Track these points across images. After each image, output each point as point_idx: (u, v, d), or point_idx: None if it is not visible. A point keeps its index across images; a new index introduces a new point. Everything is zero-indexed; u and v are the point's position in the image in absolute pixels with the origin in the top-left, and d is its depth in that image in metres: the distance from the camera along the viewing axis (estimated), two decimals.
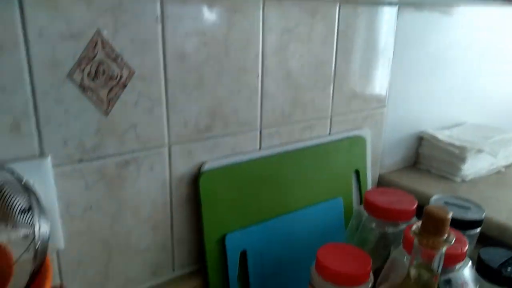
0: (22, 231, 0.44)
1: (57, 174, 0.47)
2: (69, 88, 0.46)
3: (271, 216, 0.64)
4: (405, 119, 0.85)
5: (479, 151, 0.82)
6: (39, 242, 0.35)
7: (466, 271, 0.46)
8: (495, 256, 0.51)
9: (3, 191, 0.42)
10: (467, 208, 0.58)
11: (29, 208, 0.41)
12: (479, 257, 0.51)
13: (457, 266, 0.45)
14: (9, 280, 0.39)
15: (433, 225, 0.36)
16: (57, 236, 0.49)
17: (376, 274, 0.49)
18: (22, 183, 0.37)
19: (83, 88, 0.46)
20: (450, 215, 0.36)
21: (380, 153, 0.82)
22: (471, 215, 0.56)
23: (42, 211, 0.37)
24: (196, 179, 0.58)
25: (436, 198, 0.62)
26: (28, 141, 0.45)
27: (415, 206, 0.56)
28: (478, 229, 0.57)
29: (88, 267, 0.52)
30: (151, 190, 0.55)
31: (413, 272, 0.39)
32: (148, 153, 0.53)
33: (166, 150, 0.55)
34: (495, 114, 1.04)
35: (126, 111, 0.50)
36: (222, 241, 0.60)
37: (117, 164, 0.51)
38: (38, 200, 0.37)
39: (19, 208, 0.43)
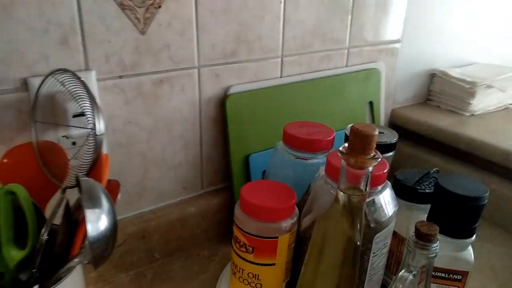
0: (77, 131, 0.49)
1: (100, 88, 0.52)
2: (111, 5, 0.49)
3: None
4: (419, 56, 0.88)
5: (489, 86, 0.85)
6: (98, 134, 0.40)
7: (388, 192, 0.46)
8: (409, 176, 0.52)
9: (55, 98, 0.47)
10: (381, 133, 0.59)
11: (83, 113, 0.46)
12: (395, 178, 0.52)
13: (380, 188, 0.45)
14: (67, 174, 0.44)
15: (360, 143, 0.35)
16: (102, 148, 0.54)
17: (301, 207, 0.48)
18: (81, 79, 0.41)
19: (122, 6, 0.50)
20: (376, 132, 0.35)
21: (393, 88, 0.86)
22: (385, 139, 0.57)
23: (98, 108, 0.41)
24: (223, 101, 0.62)
25: (351, 125, 0.62)
26: (75, 55, 0.49)
27: (333, 135, 0.54)
28: (392, 153, 0.58)
29: (127, 178, 0.58)
30: (182, 110, 0.59)
31: (341, 195, 0.38)
32: (180, 73, 0.57)
33: (196, 71, 0.59)
34: (508, 56, 1.06)
35: (160, 32, 0.54)
36: (246, 161, 0.65)
37: (152, 82, 0.55)
38: (94, 98, 0.41)
39: (72, 113, 0.48)
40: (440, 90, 0.90)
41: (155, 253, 0.62)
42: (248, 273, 0.47)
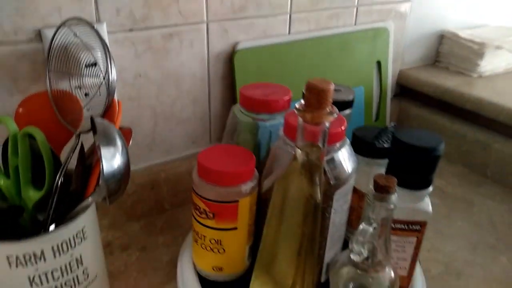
0: (90, 81, 0.50)
1: (110, 41, 0.53)
2: None
3: (298, 98, 0.70)
4: (428, 17, 0.87)
5: (498, 47, 0.84)
6: (110, 81, 0.41)
7: (347, 149, 0.46)
8: (367, 132, 0.52)
9: (69, 49, 0.49)
10: (338, 91, 0.57)
11: (95, 63, 0.48)
12: (354, 135, 0.52)
13: (338, 145, 0.45)
14: (81, 120, 0.46)
15: (315, 97, 0.34)
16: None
17: (262, 170, 0.48)
18: (93, 26, 0.42)
19: None
20: (332, 86, 0.34)
21: (401, 49, 0.86)
22: (342, 96, 0.56)
23: (110, 55, 0.42)
24: (231, 57, 0.63)
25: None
26: (87, 7, 0.50)
27: (290, 95, 0.52)
28: (349, 110, 0.57)
29: (138, 130, 0.60)
30: (191, 65, 0.60)
31: (299, 153, 0.37)
32: (189, 28, 0.58)
33: (204, 26, 0.59)
34: None
35: None
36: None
37: (162, 36, 0.56)
38: (106, 45, 0.42)
39: (85, 63, 0.49)
40: (448, 51, 0.89)
41: (165, 203, 0.65)
42: (210, 239, 0.47)
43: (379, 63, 0.79)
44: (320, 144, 0.37)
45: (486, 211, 0.68)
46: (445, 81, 0.81)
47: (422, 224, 0.45)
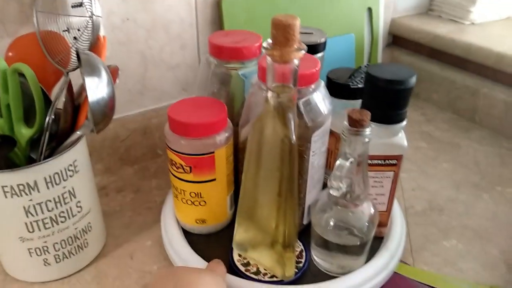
0: (77, 21, 0.51)
1: None
2: None
3: None
4: None
5: None
6: (95, 17, 0.42)
7: (322, 91, 0.45)
8: (341, 74, 0.52)
9: None
10: (310, 34, 0.57)
11: (81, 3, 0.48)
12: (327, 78, 0.52)
13: (313, 86, 0.44)
14: (69, 59, 0.47)
15: (281, 33, 0.34)
16: None
17: (237, 122, 0.48)
18: None
19: None
20: (298, 21, 0.34)
21: None
22: (314, 39, 0.55)
23: None
24: (219, 1, 0.63)
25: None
26: None
27: (260, 42, 0.50)
28: (322, 53, 0.57)
29: (129, 75, 0.61)
30: (178, 9, 0.60)
31: (270, 95, 0.37)
32: None
33: None
34: None
35: None
36: None
37: None
38: None
39: (71, 3, 0.50)
40: None
41: (158, 149, 0.66)
42: (190, 193, 0.47)
43: (370, 10, 0.79)
44: (291, 84, 0.36)
45: (472, 153, 0.69)
46: (436, 28, 0.81)
47: (398, 158, 0.46)
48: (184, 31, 0.62)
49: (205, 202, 0.48)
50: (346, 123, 0.40)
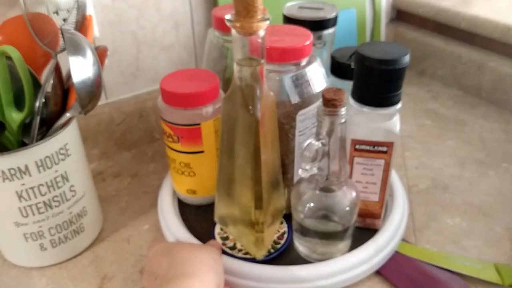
0: (65, 1, 0.50)
1: None
2: None
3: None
4: None
5: None
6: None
7: (317, 68, 0.43)
8: (345, 53, 0.49)
9: None
10: (320, 9, 0.54)
11: None
12: (331, 57, 0.49)
13: (304, 61, 0.42)
14: (58, 41, 0.46)
15: (241, 4, 0.32)
16: (93, 24, 0.55)
17: None
18: None
19: None
20: None
21: None
22: (324, 14, 0.52)
23: None
24: None
25: (289, 5, 0.55)
26: None
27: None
28: (333, 29, 0.53)
29: (121, 57, 0.59)
30: None
31: (236, 69, 0.36)
32: None
33: None
34: None
35: None
36: None
37: None
38: None
39: None
40: None
41: (154, 132, 0.65)
42: (179, 163, 0.48)
43: None
44: (258, 57, 0.35)
45: (478, 130, 0.67)
46: (441, 1, 0.78)
47: (389, 145, 0.43)
48: (177, 9, 0.61)
49: (194, 173, 0.49)
50: (320, 102, 0.38)
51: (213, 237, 0.47)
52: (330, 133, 0.38)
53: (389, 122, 0.43)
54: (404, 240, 0.48)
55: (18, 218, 0.43)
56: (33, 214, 0.43)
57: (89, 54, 0.37)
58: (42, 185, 0.42)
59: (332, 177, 0.41)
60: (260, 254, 0.43)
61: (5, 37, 0.47)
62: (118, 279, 0.45)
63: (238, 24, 0.33)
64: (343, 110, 0.37)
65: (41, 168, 0.42)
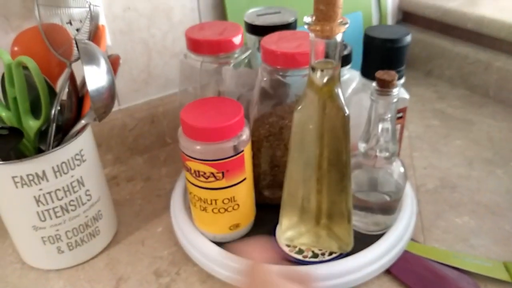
0: (77, 12, 0.51)
1: None
2: None
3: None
4: None
5: None
6: (93, 6, 0.42)
7: None
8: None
9: None
10: (278, 13, 0.54)
11: None
12: None
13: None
14: (72, 50, 0.48)
15: (325, 6, 0.33)
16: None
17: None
18: None
19: None
20: None
21: None
22: (283, 18, 0.52)
23: None
24: None
25: (250, 12, 0.54)
26: None
27: (241, 31, 0.49)
28: None
29: (132, 65, 0.61)
30: None
31: (317, 74, 0.37)
32: None
33: None
34: None
35: None
36: None
37: None
38: None
39: None
40: None
41: (166, 137, 0.67)
42: (223, 201, 0.45)
43: None
44: (335, 60, 0.36)
45: (485, 129, 0.68)
46: (447, 2, 0.79)
47: (403, 111, 0.50)
48: (186, 17, 0.62)
49: (238, 205, 0.46)
50: (375, 85, 0.42)
51: (287, 256, 0.46)
52: (387, 112, 0.42)
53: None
54: (412, 239, 0.49)
55: (36, 222, 0.45)
56: (51, 218, 0.45)
57: (103, 63, 0.39)
58: (58, 189, 0.44)
59: (384, 152, 0.44)
60: (347, 244, 0.45)
61: (21, 48, 0.49)
62: (133, 280, 0.47)
63: (318, 28, 0.34)
64: (396, 90, 0.41)
65: (57, 174, 0.43)
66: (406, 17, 0.87)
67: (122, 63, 0.60)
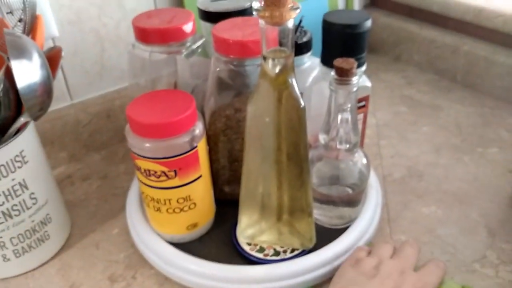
0: (13, 1, 0.47)
1: None
2: None
3: None
4: None
5: None
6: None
7: None
8: None
9: None
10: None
11: None
12: None
13: None
14: None
15: None
16: (51, 24, 0.53)
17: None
18: None
19: None
20: None
21: None
22: (237, 4, 0.49)
23: None
24: None
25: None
26: None
27: (193, 18, 0.45)
28: None
29: (84, 57, 0.57)
30: None
31: (268, 62, 0.34)
32: None
33: None
34: None
35: None
36: None
37: None
38: None
39: None
40: None
41: (124, 132, 0.63)
42: (177, 200, 0.42)
43: None
44: (287, 48, 0.34)
45: (453, 115, 0.67)
46: None
47: (366, 99, 0.48)
48: (140, 4, 0.58)
49: (195, 204, 0.43)
50: (333, 73, 0.39)
51: (247, 255, 0.44)
52: (346, 102, 0.40)
53: (360, 80, 0.46)
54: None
55: None
56: None
57: (36, 57, 0.35)
58: None
59: (346, 143, 0.42)
60: (309, 240, 0.43)
61: None
62: (86, 286, 0.44)
63: (267, 14, 0.32)
64: (355, 79, 0.39)
65: None
66: (374, 1, 0.85)
67: (72, 55, 0.56)
